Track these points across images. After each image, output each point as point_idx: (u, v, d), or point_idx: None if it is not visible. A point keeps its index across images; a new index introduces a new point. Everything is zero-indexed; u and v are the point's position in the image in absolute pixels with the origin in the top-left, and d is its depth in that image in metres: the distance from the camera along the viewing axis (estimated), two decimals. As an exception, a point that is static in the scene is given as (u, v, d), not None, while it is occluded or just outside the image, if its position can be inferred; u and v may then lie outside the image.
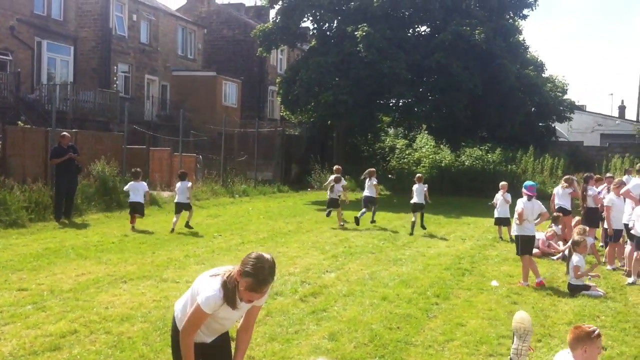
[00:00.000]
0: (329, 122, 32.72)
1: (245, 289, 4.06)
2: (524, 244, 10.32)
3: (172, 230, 14.95)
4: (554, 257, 12.95)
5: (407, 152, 33.41)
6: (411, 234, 16.11)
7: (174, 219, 15.30)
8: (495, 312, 8.38)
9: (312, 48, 33.35)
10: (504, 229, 15.60)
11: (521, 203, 10.27)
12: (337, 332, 7.31)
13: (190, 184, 16.22)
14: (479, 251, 13.66)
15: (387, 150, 35.98)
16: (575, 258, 9.75)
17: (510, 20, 32.95)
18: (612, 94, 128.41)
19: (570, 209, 14.69)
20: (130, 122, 23.10)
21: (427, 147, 32.77)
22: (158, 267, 10.81)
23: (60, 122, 22.26)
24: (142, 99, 36.53)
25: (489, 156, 30.80)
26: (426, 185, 17.46)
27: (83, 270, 10.32)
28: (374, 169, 18.89)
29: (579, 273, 9.63)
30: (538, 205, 10.39)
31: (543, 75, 38.20)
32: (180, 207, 15.59)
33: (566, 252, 11.33)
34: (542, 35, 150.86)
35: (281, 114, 37.86)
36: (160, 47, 38.56)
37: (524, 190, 10.34)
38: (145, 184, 16.07)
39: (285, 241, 14.28)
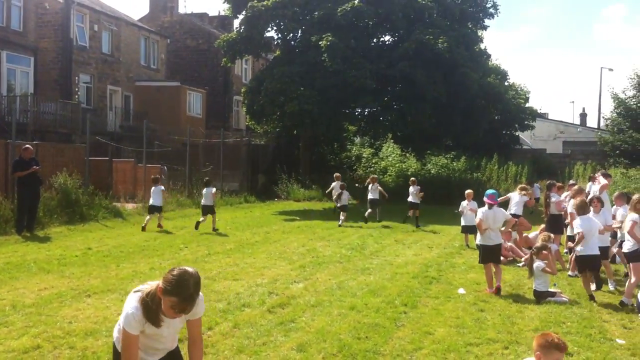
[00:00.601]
0: (295, 131, 32.69)
1: (170, 307, 3.92)
2: (485, 253, 10.40)
3: (197, 226, 17.82)
4: (520, 264, 13.09)
5: (373, 161, 33.55)
6: (417, 225, 20.01)
7: (202, 219, 18.05)
8: (462, 320, 8.42)
9: (276, 58, 33.34)
10: (471, 236, 15.72)
11: (480, 213, 10.36)
12: (306, 343, 7.26)
13: (214, 189, 18.82)
14: (446, 259, 13.74)
15: (353, 159, 36.11)
16: (537, 264, 9.87)
17: (472, 29, 33.41)
18: (573, 102, 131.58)
19: (521, 215, 14.95)
20: (93, 133, 22.79)
21: (393, 155, 32.94)
22: (122, 280, 10.64)
23: (21, 134, 21.86)
24: (104, 109, 36.05)
25: (454, 164, 31.09)
26: (419, 187, 20.90)
27: (46, 284, 10.11)
28: (375, 176, 23.14)
29: (547, 270, 9.80)
30: (501, 214, 10.49)
31: (505, 83, 38.82)
32: (206, 210, 18.27)
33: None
34: (502, 44, 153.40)
35: (247, 123, 37.73)
36: (123, 57, 38.15)
37: (485, 199, 10.40)
38: (161, 187, 18.81)
39: (252, 252, 14.19)
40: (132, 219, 19.64)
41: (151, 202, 18.30)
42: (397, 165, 32.16)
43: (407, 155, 32.54)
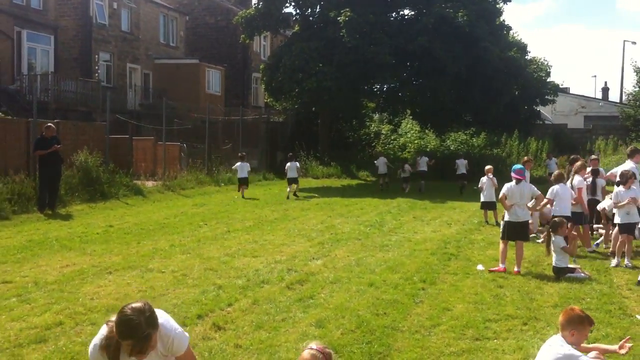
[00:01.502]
0: (314, 108, 32.61)
1: (127, 351, 3.65)
2: (509, 230, 10.12)
3: (289, 197, 21.02)
4: (539, 240, 13.01)
5: (392, 138, 33.44)
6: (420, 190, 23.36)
7: (289, 189, 21.50)
8: (481, 296, 8.41)
9: (295, 34, 33.18)
10: (490, 212, 15.66)
11: (505, 188, 10.09)
12: (324, 319, 7.30)
13: (298, 164, 22.71)
14: (465, 235, 13.70)
15: (372, 136, 36.01)
16: (556, 240, 9.78)
17: (492, 2, 32.93)
18: (595, 76, 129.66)
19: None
20: (113, 111, 22.92)
21: (412, 132, 32.80)
22: (143, 257, 10.75)
23: (42, 113, 22.01)
24: (124, 87, 36.19)
25: (474, 140, 30.92)
26: (427, 158, 25.61)
27: (67, 261, 10.25)
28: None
29: (569, 249, 9.74)
30: (529, 188, 10.27)
31: (526, 57, 38.30)
32: (292, 181, 21.74)
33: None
34: (522, 18, 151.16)
35: (265, 100, 37.70)
36: (142, 35, 38.16)
37: (512, 174, 10.24)
38: (248, 164, 22.07)
39: (271, 229, 14.25)
40: (153, 196, 19.80)
41: (239, 175, 21.67)
42: (416, 141, 32.02)
43: (426, 131, 32.36)
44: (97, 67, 34.21)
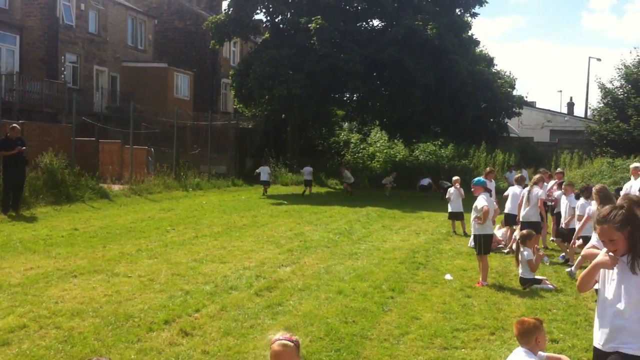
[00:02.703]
0: (283, 115, 32.58)
1: None
2: (486, 243, 10.09)
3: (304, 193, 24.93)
4: (505, 251, 13.16)
5: (361, 147, 33.52)
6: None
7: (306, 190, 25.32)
8: (449, 306, 8.45)
9: (265, 40, 33.15)
10: (457, 223, 15.78)
11: (484, 200, 10.03)
12: (293, 326, 7.25)
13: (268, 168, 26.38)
14: (433, 245, 13.78)
15: (341, 144, 36.04)
16: (526, 252, 9.86)
17: (461, 16, 33.36)
18: (560, 91, 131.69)
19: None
20: (79, 113, 22.57)
21: (381, 141, 32.92)
22: (109, 261, 10.59)
23: (6, 113, 21.57)
24: (91, 90, 35.70)
25: (442, 151, 31.14)
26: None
27: (32, 264, 10.05)
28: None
29: (533, 265, 9.77)
30: (492, 202, 10.40)
31: (493, 70, 38.86)
32: (308, 183, 26.16)
33: (514, 246, 11.48)
34: (489, 32, 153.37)
35: (235, 107, 37.54)
36: (110, 37, 37.74)
37: (477, 186, 10.27)
38: (268, 167, 26.01)
39: (239, 235, 14.16)
40: (119, 200, 19.53)
41: (262, 178, 25.32)
42: (385, 151, 32.15)
43: (395, 141, 32.53)
44: (63, 69, 33.72)
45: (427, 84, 29.25)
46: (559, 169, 18.28)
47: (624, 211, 3.95)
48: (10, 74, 28.73)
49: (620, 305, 3.93)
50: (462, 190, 15.73)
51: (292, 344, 3.81)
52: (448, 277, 10.26)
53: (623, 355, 3.93)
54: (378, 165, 31.91)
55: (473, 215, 10.16)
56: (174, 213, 17.75)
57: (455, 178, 16.27)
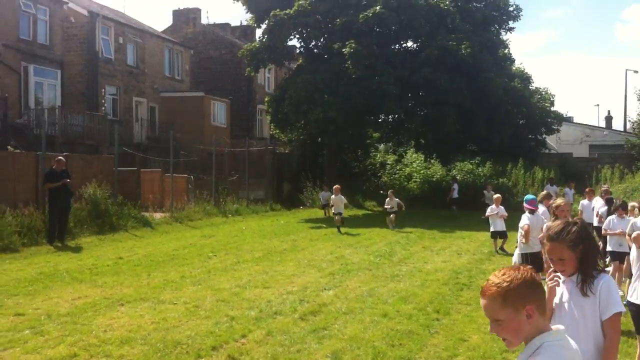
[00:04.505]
0: (320, 139, 32.75)
1: None
2: (534, 261, 9.77)
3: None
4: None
5: (397, 168, 33.46)
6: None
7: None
8: (496, 326, 8.33)
9: (300, 66, 33.48)
10: (499, 241, 15.61)
11: (526, 219, 9.92)
12: (339, 351, 7.25)
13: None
14: (476, 265, 13.64)
15: (377, 166, 36.03)
16: None
17: (496, 33, 33.25)
18: (598, 105, 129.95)
19: None
20: (120, 144, 23.01)
21: (417, 162, 32.83)
22: (154, 288, 10.72)
23: (50, 146, 22.06)
24: (130, 121, 36.42)
25: (480, 170, 30.90)
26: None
27: (79, 293, 10.22)
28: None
29: None
30: (541, 220, 10.25)
31: (530, 87, 38.54)
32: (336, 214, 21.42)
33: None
34: (523, 48, 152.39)
35: (271, 132, 37.89)
36: (147, 68, 38.53)
37: (525, 205, 10.20)
38: (342, 196, 21.24)
39: (280, 260, 14.22)
40: (161, 228, 19.81)
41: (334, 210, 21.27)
42: (422, 171, 32.04)
43: (432, 161, 32.41)
44: (103, 101, 34.49)
45: (462, 102, 29.15)
46: (605, 186, 17.88)
47: (577, 228, 3.71)
48: (52, 108, 29.46)
49: (573, 330, 3.64)
50: (502, 209, 15.57)
51: None
52: (493, 297, 10.11)
53: None
54: (415, 186, 31.79)
55: (518, 234, 10.09)
56: (214, 239, 17.92)
57: (496, 196, 16.12)
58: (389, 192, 22.85)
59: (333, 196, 21.11)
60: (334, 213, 20.86)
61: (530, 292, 2.68)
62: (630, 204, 9.79)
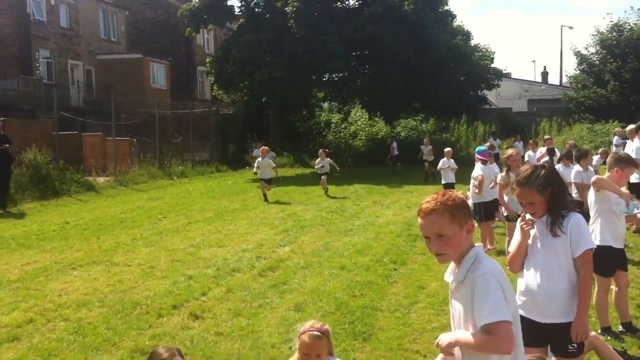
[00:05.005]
0: (265, 99, 32.41)
1: None
2: (486, 210, 10.16)
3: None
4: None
5: (342, 127, 33.48)
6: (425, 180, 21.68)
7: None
8: (453, 274, 8.48)
9: (241, 26, 32.80)
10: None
11: (479, 169, 10.13)
12: (302, 303, 7.27)
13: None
14: (427, 217, 13.79)
15: (322, 125, 35.96)
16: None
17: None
18: (534, 61, 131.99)
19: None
20: (58, 108, 22.20)
21: (362, 120, 32.91)
22: (106, 251, 10.49)
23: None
24: (66, 84, 35.15)
25: (424, 126, 31.20)
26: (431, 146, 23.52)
27: (28, 259, 9.93)
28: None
29: None
30: (494, 170, 10.44)
31: (470, 44, 38.94)
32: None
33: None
34: (461, 5, 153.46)
35: (213, 93, 37.23)
36: (82, 30, 37.15)
37: (477, 156, 10.35)
38: (270, 160, 18.79)
39: (232, 219, 14.11)
40: (105, 192, 19.35)
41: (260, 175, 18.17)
42: (366, 129, 32.16)
43: (376, 119, 32.54)
44: (37, 65, 33.19)
45: (407, 60, 29.22)
46: (546, 136, 18.36)
47: (545, 172, 3.83)
48: (-17, 73, 28.24)
49: (547, 270, 3.84)
50: (452, 162, 15.78)
51: (323, 335, 3.79)
52: (447, 247, 10.26)
53: (552, 325, 3.86)
54: (360, 144, 31.93)
55: (471, 184, 10.23)
56: (162, 201, 17.62)
57: (447, 150, 16.28)
58: (319, 152, 20.23)
59: (259, 159, 18.11)
60: (260, 178, 18.10)
61: (468, 211, 2.84)
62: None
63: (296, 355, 3.96)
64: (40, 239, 11.79)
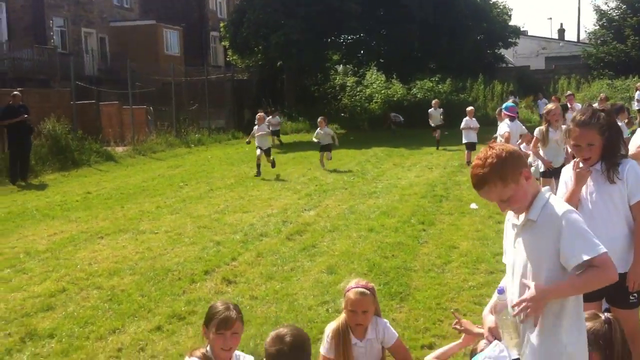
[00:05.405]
0: (280, 63, 32.07)
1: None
2: None
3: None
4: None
5: (358, 90, 33.14)
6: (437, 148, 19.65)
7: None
8: (483, 233, 8.41)
9: (255, -13, 32.33)
10: (474, 153, 15.68)
11: (506, 126, 9.99)
12: (334, 266, 7.23)
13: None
14: (449, 178, 13.71)
15: (337, 89, 35.63)
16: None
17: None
18: (550, 18, 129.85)
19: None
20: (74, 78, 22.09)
21: (377, 82, 32.53)
22: (131, 220, 10.48)
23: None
24: (80, 53, 34.96)
25: (440, 87, 30.80)
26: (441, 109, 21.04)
27: (54, 229, 9.94)
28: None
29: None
30: (520, 127, 10.28)
31: (489, 1, 38.22)
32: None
33: None
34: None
35: (227, 59, 36.92)
36: (95, -3, 36.87)
37: (505, 112, 10.19)
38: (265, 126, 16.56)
39: (254, 185, 14.05)
40: (124, 161, 19.33)
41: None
42: (382, 91, 31.80)
43: (392, 81, 32.15)
44: (52, 34, 33.00)
45: (425, 18, 28.68)
46: (568, 92, 18.05)
47: (605, 115, 3.75)
48: (-1, 43, 28.12)
49: (605, 218, 3.74)
50: (475, 121, 15.58)
51: (368, 292, 3.77)
52: (473, 206, 10.21)
53: None
54: (377, 107, 31.61)
55: (498, 141, 10.06)
56: (182, 169, 17.58)
57: (469, 109, 16.07)
58: (319, 119, 17.08)
59: (256, 126, 16.10)
60: (257, 146, 15.81)
61: (517, 159, 2.71)
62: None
63: (342, 315, 3.94)
64: (64, 209, 11.80)
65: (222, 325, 3.39)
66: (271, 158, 15.84)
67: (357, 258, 7.48)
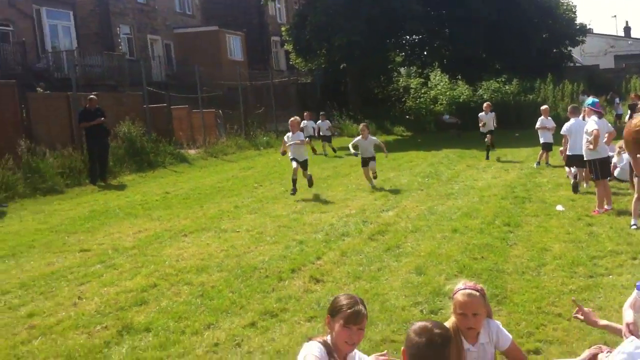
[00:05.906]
0: (343, 66, 32.06)
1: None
2: (603, 167, 9.56)
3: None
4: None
5: (422, 92, 32.79)
6: (487, 158, 17.54)
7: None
8: (575, 235, 8.13)
9: (316, -10, 32.46)
10: (549, 154, 15.32)
11: (594, 124, 9.44)
12: (422, 266, 7.09)
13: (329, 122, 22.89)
14: (529, 179, 13.36)
15: (401, 91, 35.35)
16: None
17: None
18: (615, 16, 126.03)
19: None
20: (140, 83, 22.58)
21: (442, 84, 32.11)
22: (212, 219, 10.61)
23: (70, 89, 21.73)
24: (147, 59, 35.74)
25: (507, 88, 30.21)
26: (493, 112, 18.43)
27: (138, 227, 10.14)
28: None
29: None
30: (607, 124, 9.85)
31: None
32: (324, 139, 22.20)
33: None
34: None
35: (290, 62, 37.15)
36: (158, 5, 37.60)
37: (591, 108, 9.78)
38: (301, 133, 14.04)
39: (328, 186, 14.06)
40: (197, 163, 19.69)
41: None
42: (447, 93, 31.37)
43: (457, 82, 31.69)
44: (119, 40, 33.84)
45: (489, 17, 28.19)
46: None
47: None
48: (69, 51, 28.92)
49: None
50: (551, 120, 15.18)
51: (478, 293, 3.61)
52: (559, 208, 9.90)
53: None
54: (442, 109, 31.19)
55: (584, 139, 9.71)
56: (255, 171, 17.74)
57: (543, 107, 15.67)
58: (360, 127, 14.58)
59: (289, 134, 13.47)
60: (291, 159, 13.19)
61: None
62: None
63: (451, 319, 3.77)
64: (146, 208, 12.04)
65: (352, 320, 3.34)
66: (308, 173, 13.33)
67: (445, 259, 7.33)
